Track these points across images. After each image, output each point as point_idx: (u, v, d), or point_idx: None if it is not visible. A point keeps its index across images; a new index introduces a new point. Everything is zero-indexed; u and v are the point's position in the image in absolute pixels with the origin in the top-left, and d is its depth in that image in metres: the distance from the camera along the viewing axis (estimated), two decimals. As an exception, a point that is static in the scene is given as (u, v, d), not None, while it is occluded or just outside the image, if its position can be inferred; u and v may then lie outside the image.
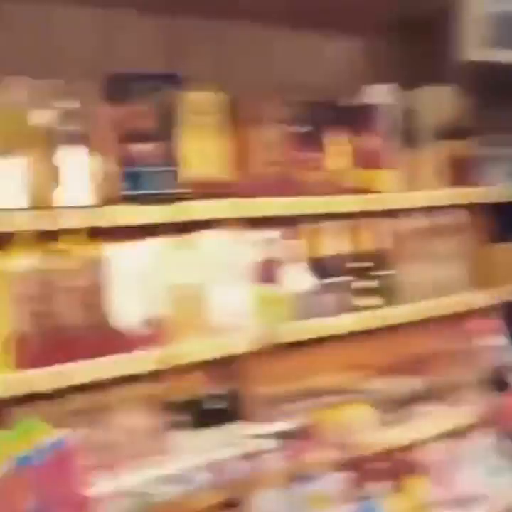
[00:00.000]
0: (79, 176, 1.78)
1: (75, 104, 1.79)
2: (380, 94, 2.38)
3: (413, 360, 2.44)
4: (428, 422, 2.28)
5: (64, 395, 1.80)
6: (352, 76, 2.56)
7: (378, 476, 2.31)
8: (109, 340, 1.81)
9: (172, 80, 1.93)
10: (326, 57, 2.64)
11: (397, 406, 2.24)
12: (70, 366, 1.73)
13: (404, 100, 2.44)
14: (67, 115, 1.77)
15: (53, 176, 1.74)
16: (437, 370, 2.40)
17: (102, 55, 2.14)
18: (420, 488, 2.31)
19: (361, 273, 2.23)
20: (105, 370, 1.78)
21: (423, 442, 2.35)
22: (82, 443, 1.72)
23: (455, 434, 2.43)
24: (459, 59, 2.62)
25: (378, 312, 2.22)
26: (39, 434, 1.65)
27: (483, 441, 2.48)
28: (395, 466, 2.36)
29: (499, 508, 2.36)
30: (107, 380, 1.79)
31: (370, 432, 2.17)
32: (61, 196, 1.75)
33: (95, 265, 1.80)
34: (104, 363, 1.77)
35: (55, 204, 1.73)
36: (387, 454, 2.27)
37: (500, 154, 2.78)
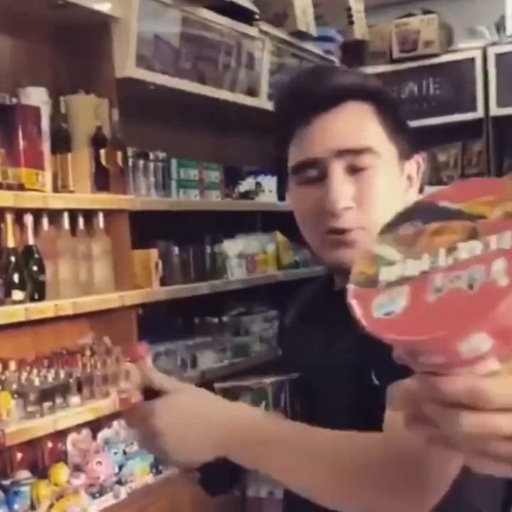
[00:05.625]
0: None
1: None
2: (35, 97, 2.45)
3: (57, 354, 2.54)
4: (70, 413, 2.40)
5: None
6: (9, 76, 2.59)
7: (24, 464, 2.38)
8: None
9: None
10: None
11: (41, 397, 2.31)
12: None
13: (58, 105, 2.55)
14: None
15: None
16: (78, 363, 2.52)
17: None
18: (63, 474, 2.42)
19: (6, 268, 2.27)
20: None
21: (66, 431, 2.47)
22: None
23: (94, 423, 2.58)
24: (112, 74, 2.79)
25: (23, 306, 2.28)
26: None
27: (119, 431, 2.67)
28: (39, 455, 2.45)
29: (138, 488, 2.57)
30: None
31: (13, 422, 2.22)
32: None
33: None
34: None
35: None
36: (31, 443, 2.35)
37: (147, 166, 3.01)
